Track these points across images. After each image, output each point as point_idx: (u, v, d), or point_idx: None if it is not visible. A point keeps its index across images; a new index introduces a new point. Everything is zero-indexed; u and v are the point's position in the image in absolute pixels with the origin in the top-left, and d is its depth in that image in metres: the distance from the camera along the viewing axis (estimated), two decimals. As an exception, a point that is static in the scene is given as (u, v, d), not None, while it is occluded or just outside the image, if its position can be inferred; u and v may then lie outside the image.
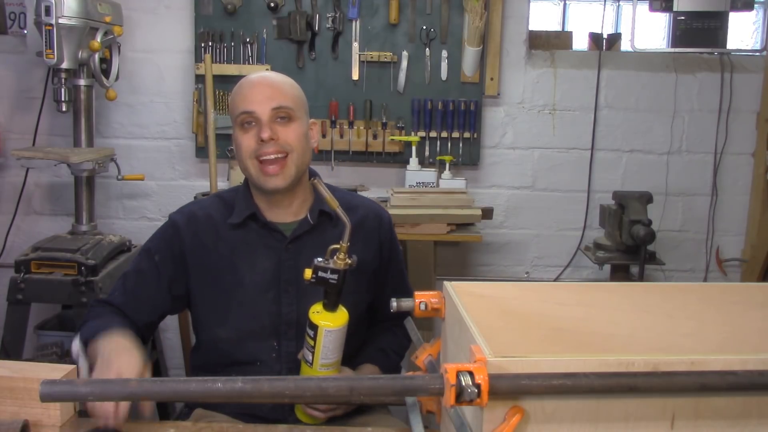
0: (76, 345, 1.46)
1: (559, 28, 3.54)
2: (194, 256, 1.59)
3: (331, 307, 1.38)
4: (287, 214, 1.61)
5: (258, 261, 1.58)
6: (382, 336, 1.71)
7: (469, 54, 2.98)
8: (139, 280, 1.60)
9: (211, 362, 1.61)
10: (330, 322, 1.37)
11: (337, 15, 2.99)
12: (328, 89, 3.04)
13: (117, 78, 2.74)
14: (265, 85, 1.55)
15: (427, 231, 2.73)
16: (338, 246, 1.36)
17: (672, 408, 0.88)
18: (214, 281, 1.58)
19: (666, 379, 0.85)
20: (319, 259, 1.36)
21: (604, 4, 3.19)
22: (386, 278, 1.70)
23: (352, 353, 1.65)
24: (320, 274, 1.35)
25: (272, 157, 1.52)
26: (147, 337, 1.62)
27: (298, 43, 3.01)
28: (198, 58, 3.00)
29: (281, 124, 1.54)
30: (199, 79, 2.99)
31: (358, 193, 2.47)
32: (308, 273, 1.35)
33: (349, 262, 1.36)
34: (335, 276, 1.35)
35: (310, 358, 1.40)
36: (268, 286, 1.57)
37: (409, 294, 1.55)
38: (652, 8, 3.12)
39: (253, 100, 1.53)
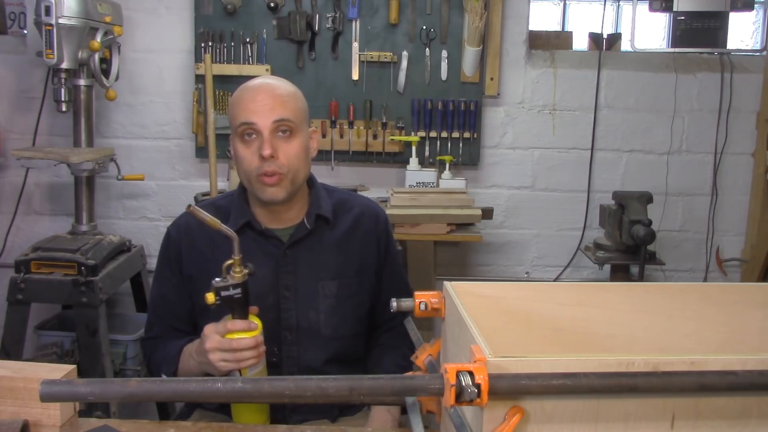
0: None
1: (559, 28, 3.54)
2: (192, 266, 1.58)
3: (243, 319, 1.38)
4: (284, 220, 1.59)
5: (255, 268, 1.57)
6: (382, 360, 1.67)
7: (469, 54, 2.98)
8: (168, 306, 1.62)
9: None
10: (246, 336, 1.36)
11: (337, 15, 2.99)
12: (328, 89, 3.04)
13: (117, 78, 2.74)
14: (267, 95, 1.50)
15: (427, 231, 2.73)
16: (231, 261, 1.33)
17: (672, 408, 0.88)
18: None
19: (666, 379, 0.85)
20: (217, 280, 1.33)
21: (604, 4, 3.19)
22: (383, 276, 1.68)
23: (354, 356, 1.65)
24: (224, 294, 1.33)
25: (270, 172, 1.50)
26: None
27: (298, 43, 3.01)
28: (198, 58, 3.00)
29: (282, 139, 1.50)
30: (199, 79, 2.99)
31: (359, 193, 2.48)
32: (211, 297, 1.33)
33: (246, 271, 1.35)
34: (238, 290, 1.33)
35: (238, 374, 1.38)
36: (267, 292, 1.56)
37: (409, 293, 1.55)
38: (652, 8, 3.12)
39: (254, 111, 1.48)
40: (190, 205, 1.34)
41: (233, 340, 1.34)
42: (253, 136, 1.50)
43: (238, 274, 1.33)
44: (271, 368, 1.56)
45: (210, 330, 1.36)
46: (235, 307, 1.35)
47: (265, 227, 1.57)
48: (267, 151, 1.47)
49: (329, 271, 1.58)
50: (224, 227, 1.33)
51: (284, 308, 1.56)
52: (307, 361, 1.57)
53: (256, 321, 1.38)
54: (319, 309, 1.56)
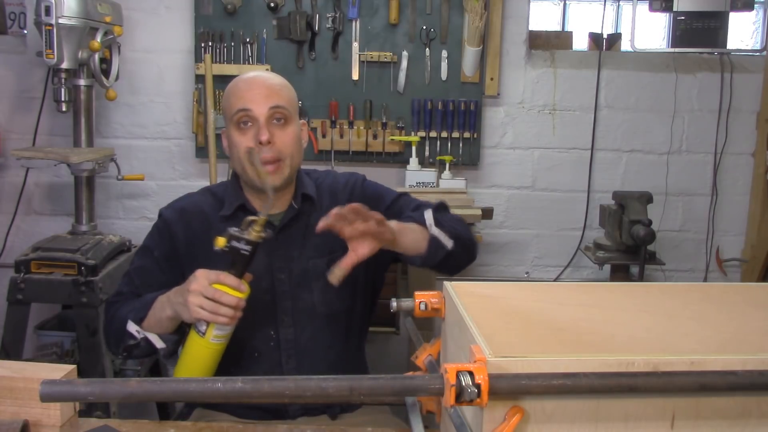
0: (132, 327, 1.48)
1: (559, 28, 3.54)
2: (187, 249, 1.60)
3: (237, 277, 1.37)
4: (275, 206, 1.61)
5: None
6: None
7: (469, 54, 2.98)
8: (145, 277, 1.61)
9: None
10: (233, 293, 1.35)
11: (337, 15, 2.99)
12: (328, 89, 3.04)
13: (117, 78, 2.74)
14: (262, 84, 1.56)
15: (427, 231, 2.73)
16: (255, 218, 1.35)
17: (672, 408, 0.88)
18: None
19: (666, 379, 0.85)
20: (235, 229, 1.35)
21: (604, 4, 3.19)
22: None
23: (350, 332, 1.65)
24: (233, 243, 1.34)
25: (269, 159, 1.53)
26: None
27: (298, 43, 3.01)
28: (198, 58, 3.00)
29: (278, 127, 1.55)
30: (199, 79, 2.99)
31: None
32: (221, 241, 1.34)
33: (264, 235, 1.35)
34: (248, 247, 1.34)
35: (204, 328, 1.38)
36: (261, 275, 1.57)
37: (428, 203, 1.58)
38: (652, 8, 3.12)
39: (250, 99, 1.53)
40: (248, 149, 1.47)
41: (218, 291, 1.34)
42: (249, 124, 1.54)
43: (255, 233, 1.34)
44: (269, 352, 1.57)
45: (201, 274, 1.36)
46: (237, 262, 1.35)
47: (258, 211, 1.59)
48: (264, 136, 1.51)
49: (318, 249, 1.59)
50: (268, 184, 1.40)
51: (279, 291, 1.57)
52: (305, 342, 1.58)
53: (246, 287, 1.38)
54: (312, 288, 1.57)
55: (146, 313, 1.49)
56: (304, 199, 1.62)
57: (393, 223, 1.41)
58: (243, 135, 1.54)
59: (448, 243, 1.48)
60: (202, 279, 1.35)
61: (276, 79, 1.60)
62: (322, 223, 1.33)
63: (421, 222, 1.49)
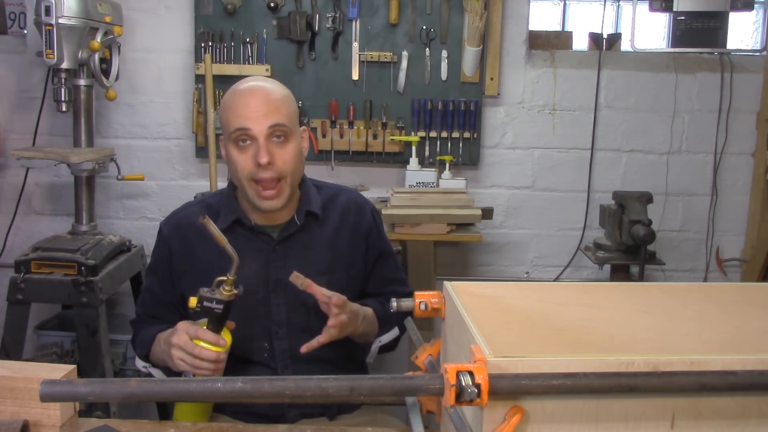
0: (140, 364, 1.63)
1: (559, 28, 3.54)
2: (182, 262, 1.60)
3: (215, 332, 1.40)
4: (275, 217, 1.61)
5: (245, 263, 1.56)
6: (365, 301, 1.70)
7: (469, 54, 2.98)
8: (153, 298, 1.67)
9: None
10: (211, 348, 1.38)
11: (337, 15, 2.99)
12: (328, 89, 3.04)
13: (117, 78, 2.74)
14: (260, 100, 1.50)
15: (427, 231, 2.73)
16: (224, 278, 1.36)
17: (672, 408, 0.88)
18: (202, 285, 1.57)
19: (666, 379, 0.85)
20: (205, 289, 1.37)
21: (604, 4, 3.19)
22: (375, 267, 1.70)
23: (341, 357, 1.65)
24: (205, 303, 1.37)
25: (268, 180, 1.51)
26: None
27: (298, 43, 3.01)
28: (198, 58, 3.00)
29: (277, 145, 1.50)
30: (199, 79, 2.99)
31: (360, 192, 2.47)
32: (193, 302, 1.37)
33: (236, 292, 1.37)
34: (220, 306, 1.37)
35: (191, 376, 1.41)
36: (257, 287, 1.57)
37: (405, 281, 1.69)
38: (652, 8, 3.12)
39: (248, 117, 1.48)
40: (204, 216, 1.37)
41: (197, 346, 1.37)
42: (248, 141, 1.50)
43: (226, 293, 1.37)
44: (266, 363, 1.58)
45: (182, 327, 1.39)
46: (212, 319, 1.39)
47: (255, 224, 1.59)
48: (264, 159, 1.48)
49: (319, 267, 1.58)
50: (229, 247, 1.35)
51: (274, 303, 1.57)
52: (300, 354, 1.57)
53: (227, 338, 1.41)
54: (309, 305, 1.56)
55: (150, 349, 1.57)
56: (307, 215, 1.61)
57: (365, 324, 1.57)
58: (242, 154, 1.51)
59: (391, 337, 1.70)
60: (182, 333, 1.38)
61: (275, 91, 1.53)
62: (304, 348, 1.47)
63: (387, 317, 1.64)
